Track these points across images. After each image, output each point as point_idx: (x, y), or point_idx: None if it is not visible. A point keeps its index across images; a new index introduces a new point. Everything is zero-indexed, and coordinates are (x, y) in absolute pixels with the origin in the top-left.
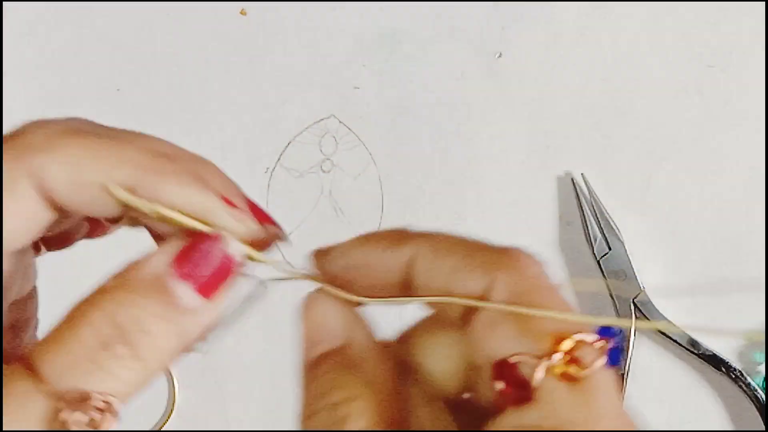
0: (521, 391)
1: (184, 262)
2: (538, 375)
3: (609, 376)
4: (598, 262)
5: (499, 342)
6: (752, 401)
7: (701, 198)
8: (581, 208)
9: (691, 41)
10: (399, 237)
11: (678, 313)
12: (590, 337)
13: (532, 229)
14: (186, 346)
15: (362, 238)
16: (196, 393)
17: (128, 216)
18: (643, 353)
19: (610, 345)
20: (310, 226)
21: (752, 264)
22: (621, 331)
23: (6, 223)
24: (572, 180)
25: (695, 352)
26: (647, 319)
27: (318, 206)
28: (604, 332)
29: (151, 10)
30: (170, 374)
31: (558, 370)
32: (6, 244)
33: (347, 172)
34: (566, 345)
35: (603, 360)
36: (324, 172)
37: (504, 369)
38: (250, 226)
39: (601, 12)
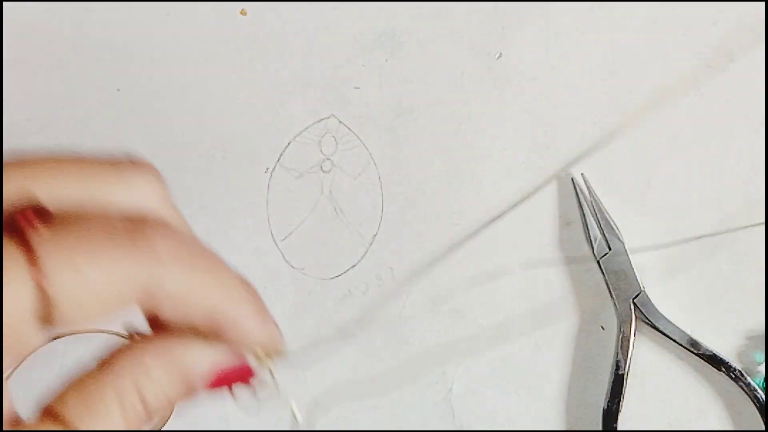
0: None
1: (222, 373)
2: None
3: None
4: (598, 262)
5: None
6: (752, 401)
7: (701, 198)
8: (581, 208)
9: (691, 41)
10: None
11: (678, 313)
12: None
13: (532, 229)
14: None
15: None
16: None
17: None
18: (643, 353)
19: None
20: (310, 226)
21: (752, 264)
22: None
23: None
24: (572, 180)
25: (695, 352)
26: (647, 319)
27: (318, 206)
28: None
29: (151, 10)
30: None
31: None
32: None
33: (347, 172)
34: None
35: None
36: (324, 172)
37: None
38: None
39: (601, 12)
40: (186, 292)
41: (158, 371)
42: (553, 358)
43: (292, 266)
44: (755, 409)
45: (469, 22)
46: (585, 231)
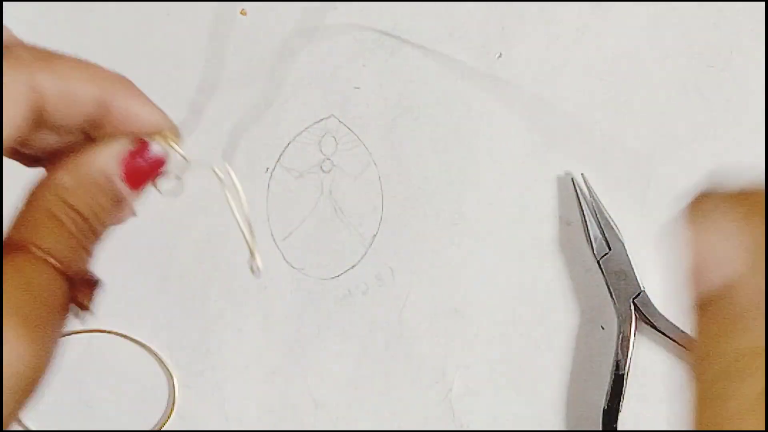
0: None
1: (130, 165)
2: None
3: None
4: (598, 262)
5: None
6: None
7: None
8: (581, 208)
9: (691, 41)
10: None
11: (678, 313)
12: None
13: (532, 229)
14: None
15: None
16: (196, 393)
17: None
18: (643, 353)
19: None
20: (310, 226)
21: None
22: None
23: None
24: (572, 180)
25: None
26: (647, 319)
27: (318, 206)
28: None
29: (150, 10)
30: (170, 374)
31: None
32: None
33: (347, 172)
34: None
35: None
36: (324, 172)
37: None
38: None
39: (601, 12)
40: (65, 87)
41: (69, 178)
42: (553, 358)
43: (292, 266)
44: None
45: (469, 22)
46: (585, 231)
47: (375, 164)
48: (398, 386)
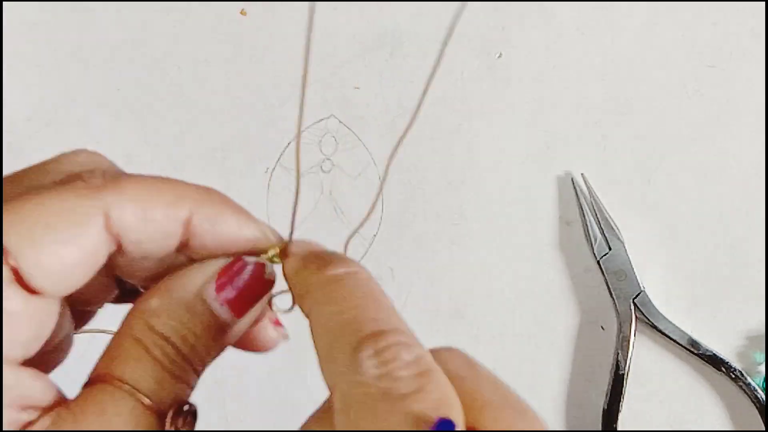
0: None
1: (226, 286)
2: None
3: None
4: (598, 262)
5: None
6: (752, 401)
7: (701, 198)
8: (581, 208)
9: (691, 41)
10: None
11: (678, 313)
12: None
13: (532, 229)
14: (223, 351)
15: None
16: (196, 393)
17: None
18: (643, 353)
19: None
20: (310, 226)
21: (752, 264)
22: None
23: (70, 257)
24: (572, 180)
25: (695, 352)
26: (647, 319)
27: (318, 206)
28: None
29: (151, 10)
30: None
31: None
32: (66, 281)
33: (347, 172)
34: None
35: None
36: (324, 172)
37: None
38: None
39: (601, 12)
40: (142, 209)
41: (157, 301)
42: (553, 358)
43: None
44: (755, 409)
45: (469, 22)
46: (585, 231)
47: (375, 164)
48: None
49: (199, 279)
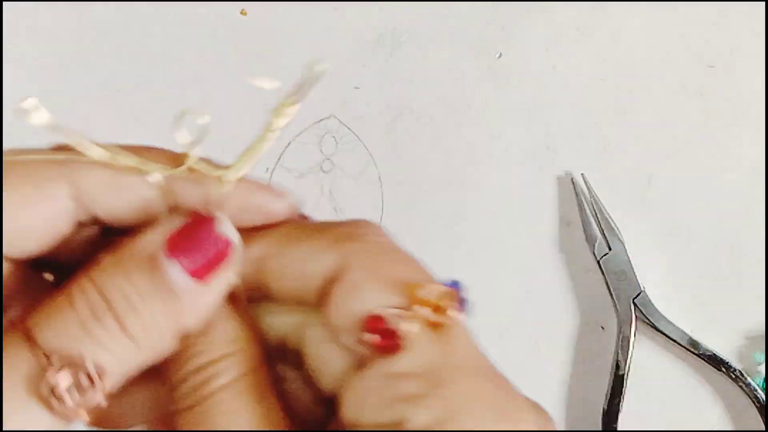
0: (391, 342)
1: (178, 241)
2: (406, 325)
3: (465, 323)
4: (598, 262)
5: (364, 301)
6: (752, 401)
7: (701, 198)
8: (581, 208)
9: (691, 41)
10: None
11: (678, 313)
12: (444, 288)
13: (532, 229)
14: (182, 329)
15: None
16: None
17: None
18: (643, 353)
19: (461, 295)
20: None
21: (752, 264)
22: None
23: (27, 220)
24: (572, 180)
25: (695, 352)
26: (647, 319)
27: (318, 206)
28: (453, 284)
29: (151, 10)
30: None
31: (423, 320)
32: (20, 244)
33: (347, 172)
34: (427, 295)
35: (461, 308)
36: (324, 172)
37: (373, 323)
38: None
39: (601, 12)
40: (110, 176)
41: (108, 258)
42: (553, 358)
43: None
44: (755, 409)
45: (469, 22)
46: (585, 231)
47: (375, 164)
48: None
49: (155, 236)
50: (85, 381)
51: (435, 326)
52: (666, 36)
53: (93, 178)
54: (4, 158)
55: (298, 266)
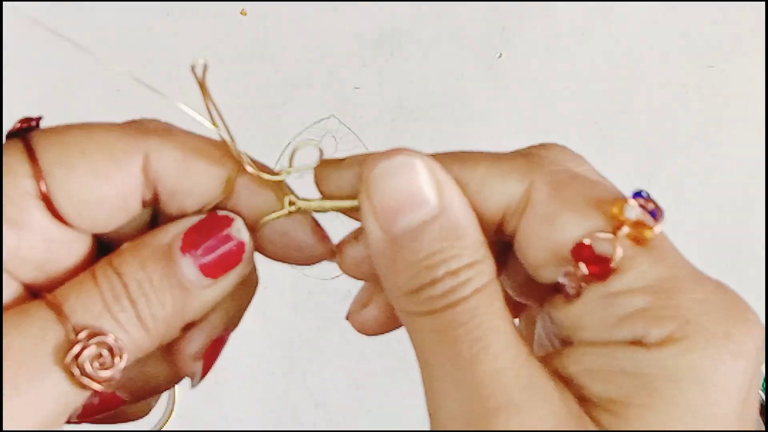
0: (604, 267)
1: (194, 237)
2: (616, 248)
3: (663, 232)
4: None
5: (564, 230)
6: None
7: (701, 198)
8: None
9: (691, 41)
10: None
11: None
12: (641, 200)
13: None
14: (186, 321)
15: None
16: (196, 393)
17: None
18: None
19: (655, 204)
20: None
21: (752, 264)
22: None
23: (101, 190)
24: None
25: None
26: None
27: None
28: (637, 195)
29: (151, 10)
30: None
31: (631, 238)
32: (91, 216)
33: None
34: (627, 213)
35: (659, 218)
36: None
37: (581, 252)
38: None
39: (601, 12)
40: (183, 160)
41: (128, 246)
42: None
43: (292, 266)
44: None
45: (469, 22)
46: None
47: None
48: (398, 386)
49: (173, 230)
50: (107, 355)
51: (641, 242)
52: (666, 36)
53: (165, 156)
54: (81, 129)
55: (475, 187)
